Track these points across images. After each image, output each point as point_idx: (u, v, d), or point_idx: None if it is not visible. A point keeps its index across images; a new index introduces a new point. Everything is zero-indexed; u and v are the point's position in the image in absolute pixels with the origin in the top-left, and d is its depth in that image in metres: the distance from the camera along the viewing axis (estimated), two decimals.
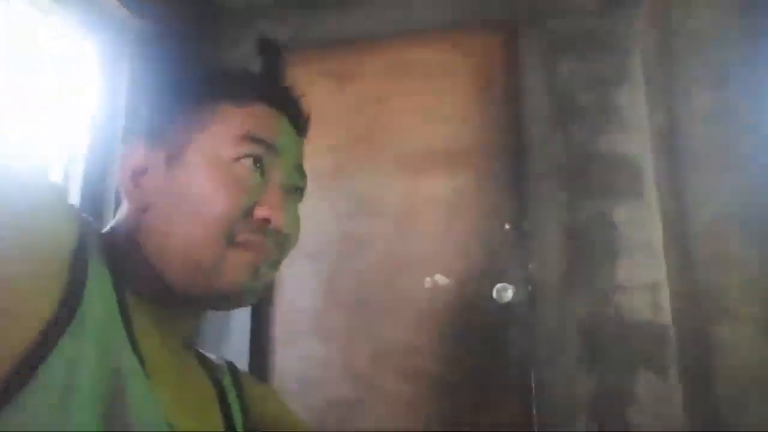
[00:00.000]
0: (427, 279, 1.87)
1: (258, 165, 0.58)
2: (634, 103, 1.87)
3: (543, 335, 1.76)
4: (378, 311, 1.89)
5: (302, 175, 0.65)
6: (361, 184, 2.01)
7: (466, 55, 2.05)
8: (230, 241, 0.55)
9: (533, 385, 1.74)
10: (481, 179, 1.94)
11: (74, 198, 1.69)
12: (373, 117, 2.06)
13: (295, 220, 0.64)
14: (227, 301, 0.58)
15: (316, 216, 2.01)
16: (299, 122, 0.67)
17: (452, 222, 1.92)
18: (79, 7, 1.73)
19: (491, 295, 1.80)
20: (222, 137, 0.58)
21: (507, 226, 1.87)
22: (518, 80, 1.98)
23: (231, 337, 1.93)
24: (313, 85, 2.12)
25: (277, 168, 0.60)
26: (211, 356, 0.72)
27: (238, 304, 0.60)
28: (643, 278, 1.72)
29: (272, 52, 2.15)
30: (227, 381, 0.69)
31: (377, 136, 2.04)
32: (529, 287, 1.81)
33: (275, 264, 0.61)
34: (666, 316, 1.66)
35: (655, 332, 1.66)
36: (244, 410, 0.69)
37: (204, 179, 0.56)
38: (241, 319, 1.94)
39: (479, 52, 2.05)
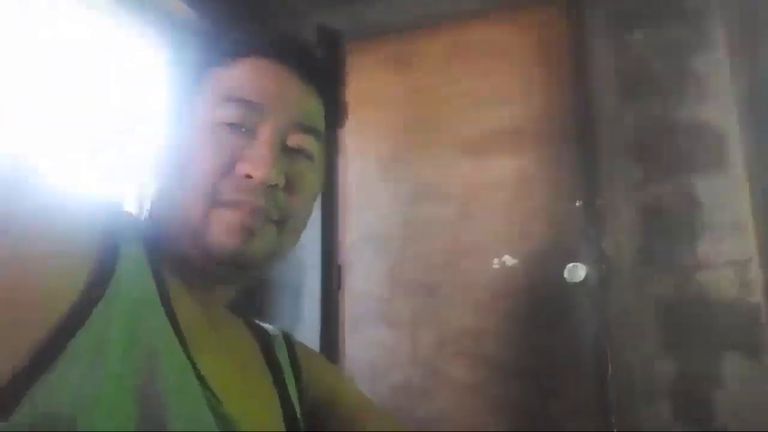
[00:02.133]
0: (495, 261, 1.82)
1: (242, 125, 0.56)
2: (715, 70, 1.74)
3: (618, 316, 1.67)
4: (444, 296, 1.87)
5: (306, 133, 0.59)
6: (423, 169, 1.99)
7: (526, 31, 1.98)
8: (214, 201, 0.54)
9: (609, 369, 1.66)
10: (547, 158, 1.87)
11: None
12: (433, 101, 2.03)
13: (299, 179, 0.58)
14: (229, 264, 0.55)
15: (379, 202, 2.01)
16: (306, 73, 0.61)
17: (519, 202, 1.86)
18: (145, 11, 1.80)
19: (562, 276, 1.73)
20: (206, 100, 0.57)
21: (578, 204, 1.79)
22: (584, 52, 1.89)
23: (301, 324, 1.96)
24: (372, 72, 2.12)
25: (266, 125, 0.56)
26: (266, 326, 0.72)
27: (246, 267, 0.56)
28: (729, 255, 1.59)
29: (332, 42, 2.16)
30: (282, 350, 0.69)
31: (438, 120, 2.01)
32: (603, 266, 1.72)
33: (282, 224, 0.57)
34: (756, 295, 1.53)
35: (743, 311, 1.54)
36: (298, 379, 0.68)
37: (189, 144, 0.56)
38: (311, 305, 1.97)
39: (541, 27, 1.97)
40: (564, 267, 1.73)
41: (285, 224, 0.57)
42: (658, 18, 1.82)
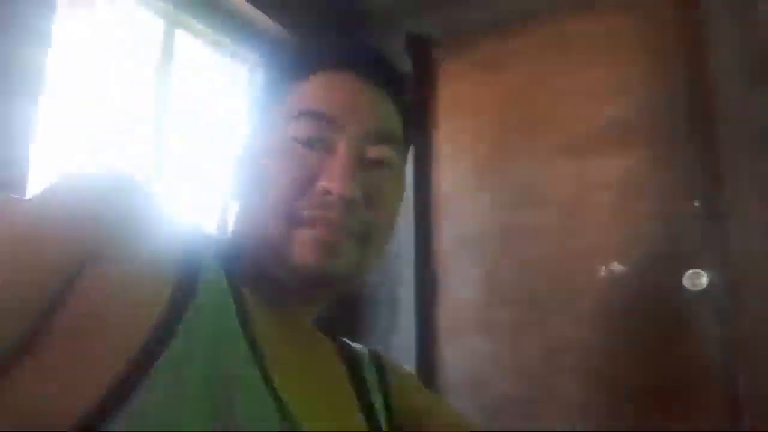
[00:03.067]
0: (602, 268, 1.69)
1: (317, 139, 0.55)
2: None
3: (749, 326, 1.47)
4: (547, 305, 1.76)
5: (384, 144, 0.58)
6: (522, 172, 1.90)
7: (632, 17, 1.83)
8: (294, 219, 0.54)
9: (740, 386, 1.47)
10: (659, 155, 1.71)
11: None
12: (531, 101, 1.94)
13: (379, 192, 0.57)
14: (313, 282, 0.55)
15: (476, 208, 1.95)
16: (381, 81, 0.60)
17: (627, 205, 1.72)
18: (232, 19, 1.86)
19: (680, 284, 1.56)
20: (281, 117, 0.58)
21: (696, 204, 1.61)
22: (702, 35, 1.71)
23: (397, 333, 1.94)
24: (466, 76, 2.07)
25: (343, 139, 0.56)
26: (354, 345, 0.70)
27: (330, 284, 0.56)
28: None
29: (421, 49, 2.14)
30: (369, 371, 0.67)
31: (537, 121, 1.91)
32: (729, 272, 1.53)
33: (364, 238, 0.56)
34: None
35: None
36: (388, 400, 0.66)
37: (266, 162, 0.57)
38: (407, 313, 1.95)
39: (649, 11, 1.81)
40: (682, 274, 1.56)
41: (368, 239, 0.57)
42: None
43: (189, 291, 0.46)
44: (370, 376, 0.66)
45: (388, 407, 0.65)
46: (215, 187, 1.69)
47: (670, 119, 1.72)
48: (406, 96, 0.63)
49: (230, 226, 0.62)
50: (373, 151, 0.57)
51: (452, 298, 1.94)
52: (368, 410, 0.62)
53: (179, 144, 1.68)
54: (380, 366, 0.69)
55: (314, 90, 0.58)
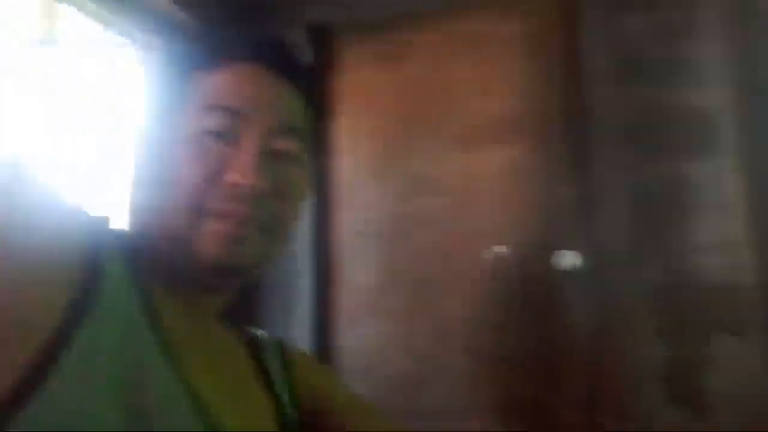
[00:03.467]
0: (487, 251, 1.82)
1: (225, 133, 0.55)
2: (708, 55, 1.72)
3: (611, 303, 1.66)
4: (438, 288, 1.86)
5: (290, 136, 0.59)
6: (417, 162, 1.99)
7: (518, 19, 1.97)
8: (200, 212, 0.53)
9: (603, 356, 1.64)
10: (540, 147, 1.86)
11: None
12: (426, 94, 2.03)
13: (286, 184, 0.58)
14: (218, 273, 0.55)
15: (371, 197, 2.01)
16: (288, 74, 0.60)
17: (511, 193, 1.86)
18: (141, 8, 1.81)
19: (555, 264, 1.71)
20: (188, 110, 0.57)
21: (569, 192, 1.78)
22: (577, 40, 1.88)
23: (294, 318, 1.97)
24: (363, 67, 2.12)
25: (250, 132, 0.56)
26: (260, 335, 0.71)
27: (236, 275, 0.57)
28: (721, 238, 1.58)
29: (321, 38, 2.17)
30: (274, 359, 0.68)
31: (431, 114, 2.01)
32: (595, 253, 1.71)
33: (271, 230, 0.57)
34: (747, 277, 1.51)
35: (733, 295, 1.52)
36: (292, 388, 0.67)
37: (173, 153, 0.56)
38: (303, 298, 1.98)
39: (533, 15, 1.96)
40: (557, 255, 1.72)
41: (275, 230, 0.57)
42: (651, 4, 1.81)
43: (93, 282, 0.47)
44: (275, 365, 0.68)
45: (292, 399, 0.67)
46: (104, 175, 1.62)
47: (549, 114, 1.87)
48: (312, 88, 0.63)
49: (133, 217, 0.61)
50: (280, 144, 0.57)
51: (348, 284, 1.99)
52: (276, 398, 0.63)
53: (66, 129, 1.60)
54: (284, 358, 0.70)
55: (222, 82, 0.57)
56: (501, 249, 1.81)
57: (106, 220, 0.56)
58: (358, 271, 1.98)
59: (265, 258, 0.58)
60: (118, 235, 0.57)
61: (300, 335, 1.91)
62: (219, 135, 0.55)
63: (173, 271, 0.56)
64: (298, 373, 0.69)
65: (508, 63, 1.95)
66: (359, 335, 1.94)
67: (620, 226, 1.69)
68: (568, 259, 1.70)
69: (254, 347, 0.68)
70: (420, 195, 1.96)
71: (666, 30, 1.78)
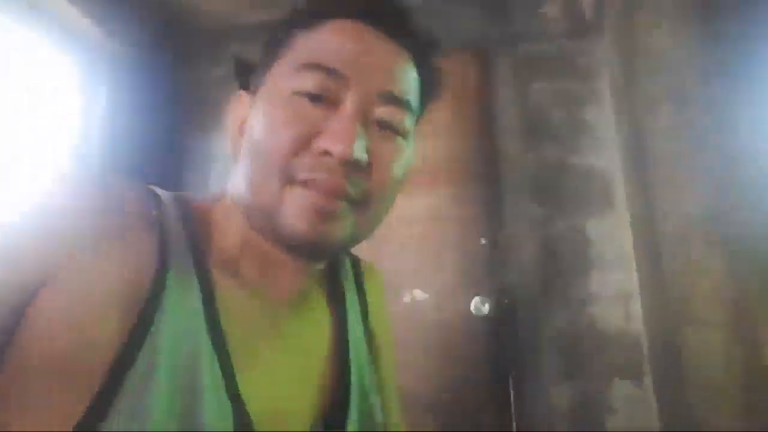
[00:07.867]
0: (407, 295, 1.89)
1: (322, 95, 0.49)
2: (603, 120, 1.95)
3: (521, 347, 1.79)
4: None
5: (396, 105, 0.51)
6: None
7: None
8: (288, 180, 0.48)
9: (512, 397, 1.77)
10: (458, 196, 1.97)
11: None
12: None
13: (384, 158, 0.51)
14: (301, 248, 0.50)
15: None
16: (397, 33, 0.53)
17: (429, 238, 1.95)
18: (55, 25, 1.72)
19: (469, 310, 1.82)
20: (283, 70, 0.52)
21: (483, 241, 1.90)
22: (491, 100, 2.04)
23: None
24: None
25: (350, 95, 0.49)
26: (340, 266, 0.67)
27: (320, 253, 0.52)
28: (615, 289, 1.77)
29: (248, 73, 2.16)
30: (351, 299, 0.65)
31: None
32: (506, 300, 1.84)
33: (361, 206, 0.50)
34: (639, 325, 1.71)
35: (628, 341, 1.71)
36: (366, 322, 0.65)
37: (263, 117, 0.51)
38: None
39: (454, 74, 2.10)
40: (471, 299, 1.83)
41: (366, 206, 0.51)
42: (555, 72, 2.01)
43: (156, 293, 0.45)
44: (353, 307, 0.64)
45: (368, 330, 0.64)
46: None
47: (467, 166, 2.00)
48: (426, 56, 0.56)
49: (227, 188, 0.55)
50: (383, 112, 0.51)
51: None
52: (342, 369, 0.59)
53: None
54: (360, 284, 0.67)
55: (322, 40, 0.51)
56: (420, 293, 1.89)
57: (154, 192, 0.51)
58: None
59: (352, 236, 0.51)
60: (186, 211, 0.52)
61: None
62: (315, 97, 0.49)
63: (252, 254, 0.52)
64: (370, 299, 0.68)
65: (431, 117, 2.04)
66: None
67: (529, 275, 1.84)
68: (481, 304, 1.81)
69: (335, 297, 0.63)
70: None
71: (566, 96, 1.99)
